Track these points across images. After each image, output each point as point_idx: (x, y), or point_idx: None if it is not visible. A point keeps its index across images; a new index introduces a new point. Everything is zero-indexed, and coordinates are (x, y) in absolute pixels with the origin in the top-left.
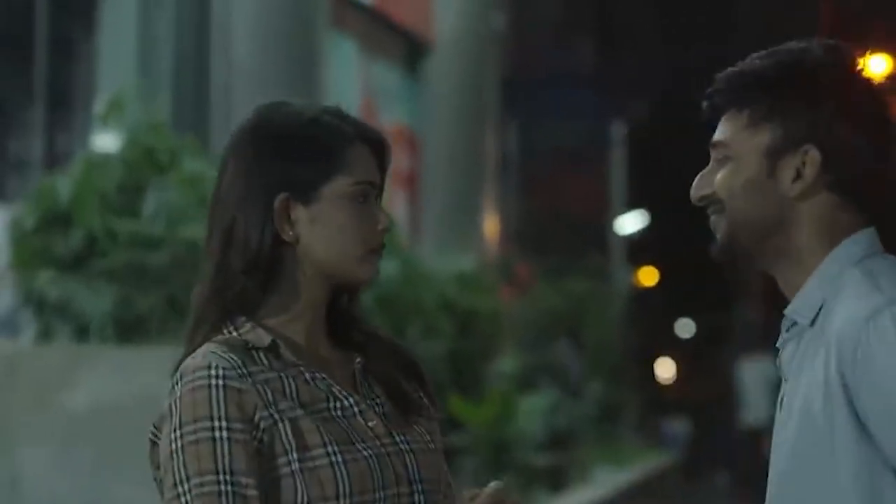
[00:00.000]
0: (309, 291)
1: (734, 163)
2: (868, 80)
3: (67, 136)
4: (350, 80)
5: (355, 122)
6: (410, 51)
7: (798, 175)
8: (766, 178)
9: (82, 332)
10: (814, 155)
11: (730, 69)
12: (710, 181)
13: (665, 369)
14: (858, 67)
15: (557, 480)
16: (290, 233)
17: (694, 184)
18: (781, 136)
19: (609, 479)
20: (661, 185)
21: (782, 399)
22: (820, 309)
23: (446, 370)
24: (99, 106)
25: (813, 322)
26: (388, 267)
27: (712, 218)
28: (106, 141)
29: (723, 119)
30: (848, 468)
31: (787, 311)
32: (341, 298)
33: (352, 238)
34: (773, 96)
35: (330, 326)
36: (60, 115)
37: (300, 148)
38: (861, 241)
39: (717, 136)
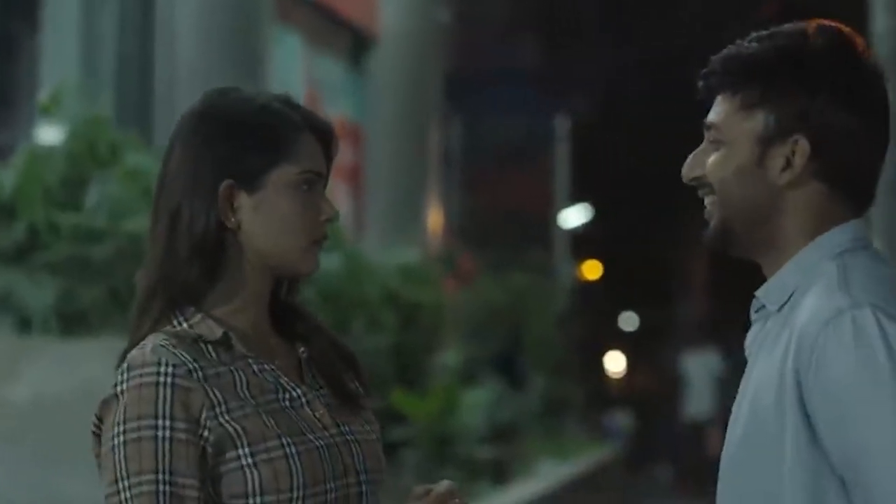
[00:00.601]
0: (254, 280)
1: (726, 148)
2: (868, 66)
3: (10, 133)
4: (294, 74)
5: (304, 111)
6: (355, 44)
7: (787, 164)
8: (755, 167)
9: (25, 325)
10: (803, 145)
11: (725, 51)
12: (702, 162)
13: (615, 363)
14: (859, 52)
15: (500, 474)
16: (233, 220)
17: (686, 163)
18: (773, 123)
19: (552, 472)
20: (604, 179)
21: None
22: (790, 296)
23: (390, 363)
24: (41, 99)
25: (781, 308)
26: (332, 260)
27: (706, 205)
28: (49, 134)
29: (717, 100)
30: (794, 466)
31: (757, 293)
32: (282, 288)
33: (294, 228)
34: (767, 82)
35: (272, 316)
36: (3, 110)
37: (247, 135)
38: (847, 231)
39: (711, 117)
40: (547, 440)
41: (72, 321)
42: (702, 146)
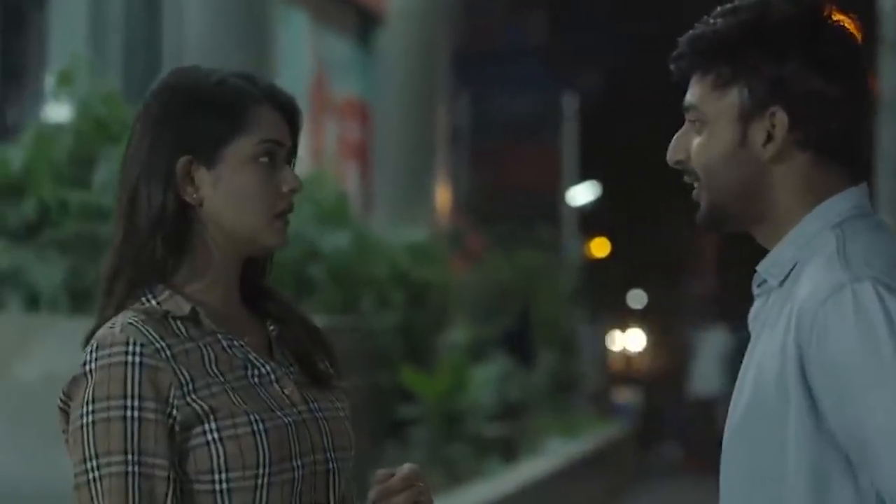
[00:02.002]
0: (221, 256)
1: (708, 130)
2: (839, 27)
3: (18, 109)
4: (302, 53)
5: (263, 84)
6: (362, 22)
7: (769, 138)
8: (738, 146)
9: (33, 302)
10: (781, 116)
11: (692, 32)
12: (685, 145)
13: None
14: (825, 16)
15: (509, 451)
16: (195, 196)
17: (670, 146)
18: (748, 99)
19: (560, 449)
20: (612, 156)
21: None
22: (792, 269)
23: (398, 342)
24: (50, 77)
25: (782, 282)
26: (341, 239)
27: (694, 189)
28: (58, 112)
29: (691, 82)
30: (797, 442)
31: (758, 268)
32: (253, 265)
33: (254, 201)
34: (735, 58)
35: (243, 297)
36: (11, 87)
37: (202, 109)
38: (847, 199)
39: (688, 99)
40: (555, 418)
41: (80, 299)
42: (683, 128)
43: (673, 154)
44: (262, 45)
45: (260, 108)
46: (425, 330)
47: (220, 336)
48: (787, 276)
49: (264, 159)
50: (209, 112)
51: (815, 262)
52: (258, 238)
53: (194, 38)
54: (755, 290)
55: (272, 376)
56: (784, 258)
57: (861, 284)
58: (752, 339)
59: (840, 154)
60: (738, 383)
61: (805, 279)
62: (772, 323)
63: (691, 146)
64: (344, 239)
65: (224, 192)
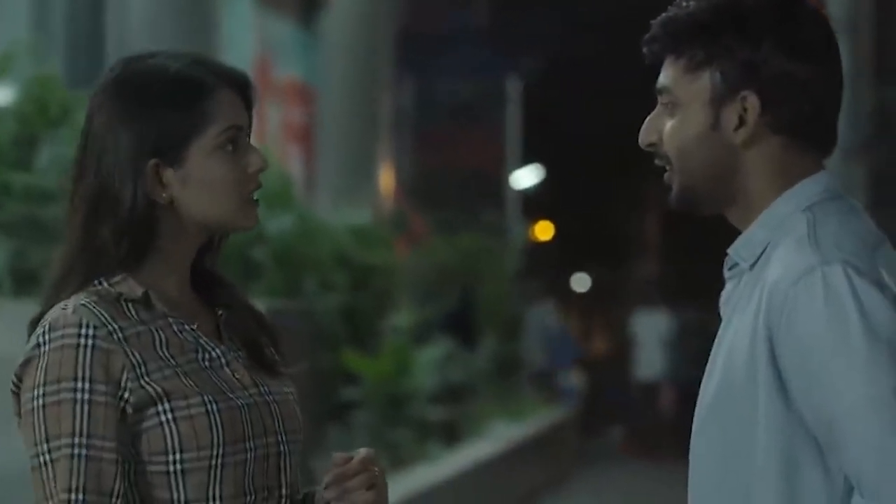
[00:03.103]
0: (186, 246)
1: (680, 113)
2: (811, 10)
3: None
4: (246, 35)
5: (215, 67)
6: (306, 5)
7: (741, 122)
8: (711, 130)
9: None
10: (752, 101)
11: (665, 14)
12: (658, 127)
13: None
14: None
15: (452, 434)
16: (164, 195)
17: (642, 128)
18: (720, 82)
19: (504, 433)
20: (556, 139)
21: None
22: (763, 252)
23: (341, 324)
24: None
25: (753, 265)
26: (284, 221)
27: (665, 173)
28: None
29: (664, 64)
30: (767, 424)
31: (729, 251)
32: (204, 250)
33: (225, 190)
34: (708, 41)
35: (192, 279)
36: None
37: (163, 108)
38: (818, 182)
39: (661, 81)
40: (499, 401)
41: (24, 281)
42: (656, 110)
43: (645, 136)
44: (205, 28)
45: (217, 96)
46: (368, 313)
47: (171, 320)
48: (757, 259)
49: (228, 147)
50: (170, 112)
51: (786, 244)
52: (233, 224)
53: (137, 21)
54: (726, 273)
55: (222, 360)
56: (755, 240)
57: (831, 267)
58: (724, 321)
59: (812, 137)
60: (708, 365)
61: (776, 261)
62: (743, 305)
63: (664, 129)
64: (288, 222)
65: (194, 187)
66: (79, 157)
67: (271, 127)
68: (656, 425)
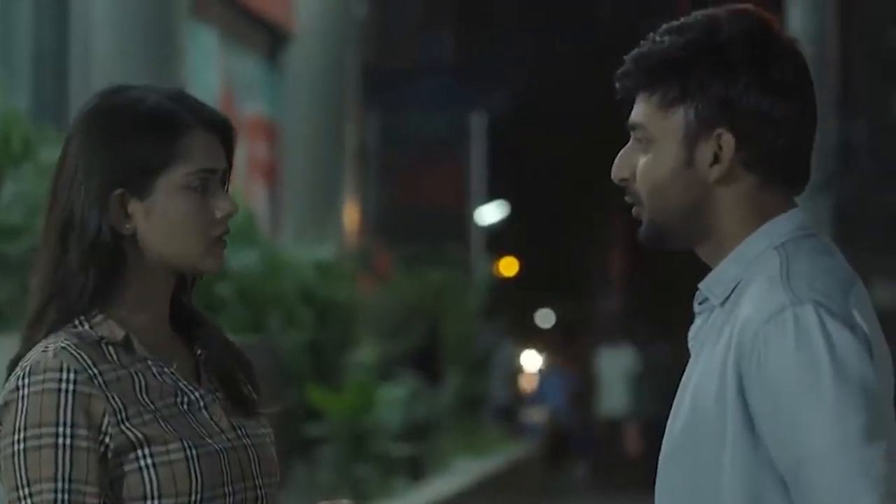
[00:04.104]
0: (155, 282)
1: (654, 149)
2: (784, 44)
3: None
4: (210, 70)
5: (196, 107)
6: (271, 40)
7: (716, 159)
8: (685, 167)
9: None
10: (727, 139)
11: (637, 49)
12: (630, 163)
13: (531, 361)
14: (774, 35)
15: (416, 470)
16: (128, 226)
17: (615, 163)
18: (693, 119)
19: (468, 469)
20: (521, 175)
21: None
22: (734, 288)
23: (306, 360)
24: None
25: (724, 301)
26: (248, 256)
27: (634, 208)
28: None
29: (637, 100)
30: (734, 462)
31: (700, 285)
32: (182, 289)
33: (188, 230)
34: (682, 77)
35: (171, 318)
36: None
37: (134, 140)
38: (791, 220)
39: (633, 117)
40: (463, 437)
41: None
42: (629, 145)
43: (618, 172)
44: (170, 61)
45: (192, 135)
46: (333, 349)
47: (150, 362)
48: (728, 295)
49: (197, 187)
50: (140, 142)
51: (758, 282)
52: (194, 266)
53: (102, 53)
54: (696, 308)
55: (200, 403)
56: (726, 277)
57: (803, 307)
58: (692, 357)
59: (786, 174)
60: (675, 402)
61: (747, 299)
62: (713, 341)
63: (637, 165)
64: (251, 257)
65: (157, 221)
66: (52, 186)
67: (236, 162)
68: (621, 461)
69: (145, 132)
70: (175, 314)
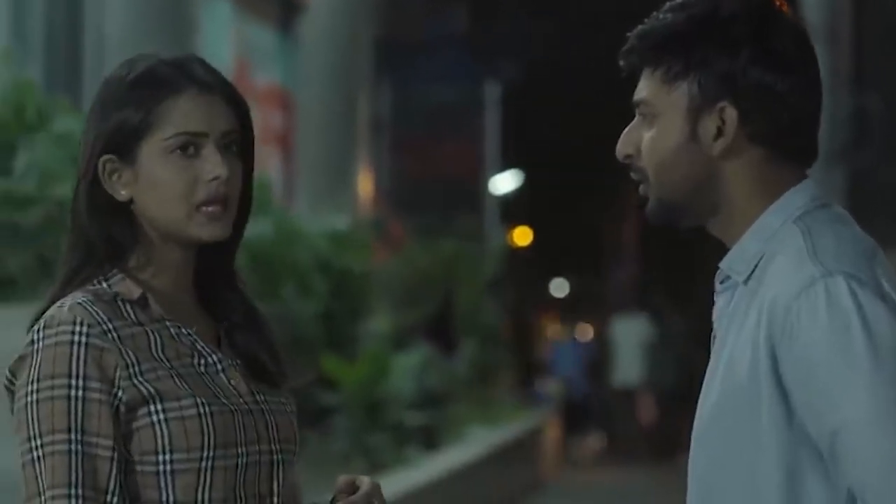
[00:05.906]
0: (161, 246)
1: (658, 124)
2: (789, 20)
3: None
4: (224, 40)
5: (197, 72)
6: (285, 10)
7: (719, 133)
8: (689, 141)
9: None
10: (730, 112)
11: (641, 26)
12: (635, 139)
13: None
14: (775, 7)
15: (430, 439)
16: (122, 193)
17: (620, 140)
18: (697, 93)
19: (482, 438)
20: (534, 145)
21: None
22: (756, 265)
23: (320, 329)
24: None
25: (748, 278)
26: (262, 226)
27: (640, 186)
28: None
29: (642, 76)
30: (770, 438)
31: (721, 265)
32: (213, 252)
33: (170, 195)
34: (685, 52)
35: (201, 282)
36: None
37: (118, 106)
38: (805, 192)
39: (638, 93)
40: (477, 407)
41: (1, 287)
42: (634, 122)
43: (622, 148)
44: (184, 33)
45: (176, 99)
46: (347, 318)
47: (168, 322)
48: (752, 272)
49: (178, 151)
50: (123, 108)
51: (784, 256)
52: (183, 231)
53: (116, 24)
54: (718, 287)
55: (219, 366)
56: (748, 253)
57: (833, 279)
58: (719, 337)
59: (792, 147)
60: (705, 382)
61: (774, 275)
62: (740, 320)
63: (641, 141)
64: (265, 227)
65: (144, 187)
66: (79, 157)
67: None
68: (634, 430)
69: (129, 98)
70: (204, 283)
